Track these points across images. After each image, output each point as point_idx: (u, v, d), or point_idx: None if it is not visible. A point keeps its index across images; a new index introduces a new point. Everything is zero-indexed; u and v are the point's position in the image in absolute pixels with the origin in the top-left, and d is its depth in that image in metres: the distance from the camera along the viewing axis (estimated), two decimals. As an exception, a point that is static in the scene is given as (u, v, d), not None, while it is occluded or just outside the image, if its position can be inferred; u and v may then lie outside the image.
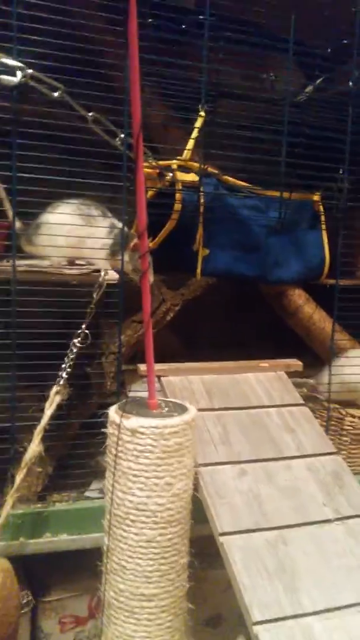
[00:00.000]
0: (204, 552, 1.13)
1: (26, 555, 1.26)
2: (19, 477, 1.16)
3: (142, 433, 1.01)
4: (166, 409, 1.11)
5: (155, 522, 1.02)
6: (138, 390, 1.48)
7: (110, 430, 1.07)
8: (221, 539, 1.05)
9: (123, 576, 1.04)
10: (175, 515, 1.04)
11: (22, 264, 1.27)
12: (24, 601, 1.25)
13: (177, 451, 1.03)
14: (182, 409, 1.11)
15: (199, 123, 1.42)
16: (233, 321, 2.14)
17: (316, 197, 1.64)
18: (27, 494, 1.29)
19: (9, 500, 1.15)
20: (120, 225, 1.36)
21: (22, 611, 1.20)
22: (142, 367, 1.37)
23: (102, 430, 1.14)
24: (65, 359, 1.25)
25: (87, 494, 1.39)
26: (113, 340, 1.45)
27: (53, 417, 1.21)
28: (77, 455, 1.41)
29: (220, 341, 2.06)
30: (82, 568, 1.37)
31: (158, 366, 1.14)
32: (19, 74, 1.17)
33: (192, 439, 1.07)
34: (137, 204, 1.00)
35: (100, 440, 1.19)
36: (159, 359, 1.11)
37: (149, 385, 1.11)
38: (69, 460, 1.44)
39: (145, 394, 1.16)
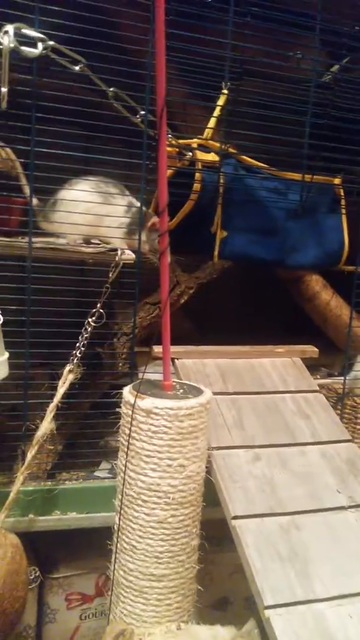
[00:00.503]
0: (213, 536, 1.13)
1: (35, 531, 1.26)
2: (30, 454, 1.16)
3: (156, 414, 1.00)
4: (181, 390, 1.10)
5: (167, 503, 1.02)
6: (151, 372, 1.47)
7: (124, 410, 1.06)
8: (233, 522, 1.04)
9: (133, 556, 1.04)
10: (187, 497, 1.03)
11: (37, 241, 1.25)
12: (32, 577, 1.26)
13: (191, 433, 1.02)
14: (197, 392, 1.10)
15: (221, 101, 1.39)
16: (247, 305, 2.13)
17: (337, 181, 1.61)
18: (37, 471, 1.29)
19: (20, 477, 1.15)
20: (137, 204, 1.34)
21: (30, 587, 1.20)
22: (157, 349, 1.36)
23: (114, 410, 1.14)
24: (80, 337, 1.24)
25: (96, 473, 1.39)
26: (126, 321, 1.44)
27: (65, 395, 1.21)
28: (88, 434, 1.41)
29: (233, 325, 2.05)
30: (90, 546, 1.38)
31: (173, 348, 1.13)
32: (39, 45, 1.15)
33: (207, 421, 1.06)
34: (158, 182, 0.98)
35: (111, 421, 1.19)
36: (172, 342, 1.09)
37: (165, 367, 1.10)
38: (79, 439, 1.44)
39: (157, 377, 1.15)
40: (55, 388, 1.23)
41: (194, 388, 1.12)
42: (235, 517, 1.05)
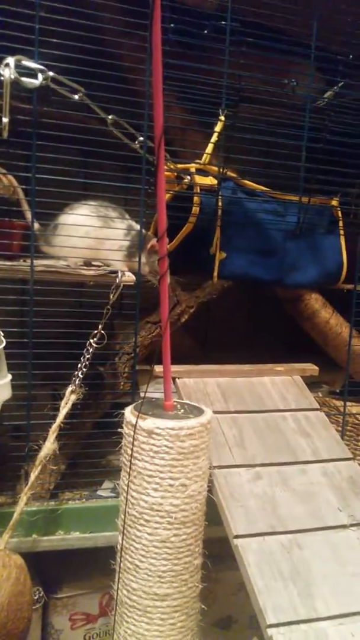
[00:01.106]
0: (216, 554, 1.14)
1: (38, 552, 1.27)
2: (33, 475, 1.18)
3: (157, 434, 1.02)
4: (182, 410, 1.12)
5: (169, 523, 1.03)
6: (152, 392, 1.49)
7: (125, 430, 1.08)
8: (235, 541, 1.05)
9: (136, 575, 1.05)
10: (189, 517, 1.04)
11: (38, 263, 1.28)
12: (36, 597, 1.26)
13: (193, 453, 1.04)
14: (198, 411, 1.11)
15: (218, 127, 1.43)
16: (247, 323, 2.15)
17: (334, 202, 1.64)
18: (40, 491, 1.30)
19: (23, 498, 1.17)
20: (137, 227, 1.37)
21: (34, 607, 1.21)
22: (158, 368, 1.38)
23: (115, 430, 1.16)
24: (81, 358, 1.26)
25: (99, 492, 1.40)
26: (127, 340, 1.46)
27: (67, 415, 1.23)
28: (90, 454, 1.42)
29: (233, 343, 2.07)
30: (93, 566, 1.38)
31: (173, 368, 1.15)
32: (39, 76, 1.19)
33: (208, 441, 1.08)
34: (157, 207, 1.01)
35: (113, 440, 1.20)
36: (173, 361, 1.11)
37: (166, 387, 1.11)
38: (82, 458, 1.45)
39: (158, 395, 1.17)
40: (57, 408, 1.25)
41: (195, 408, 1.14)
42: (237, 536, 1.06)
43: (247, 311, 2.15)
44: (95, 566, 1.37)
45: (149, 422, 1.02)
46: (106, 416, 1.41)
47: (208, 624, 1.32)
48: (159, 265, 1.05)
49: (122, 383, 1.46)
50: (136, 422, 1.03)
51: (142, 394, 1.36)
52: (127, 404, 1.17)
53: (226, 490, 1.14)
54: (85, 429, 1.42)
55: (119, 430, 1.13)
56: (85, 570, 1.39)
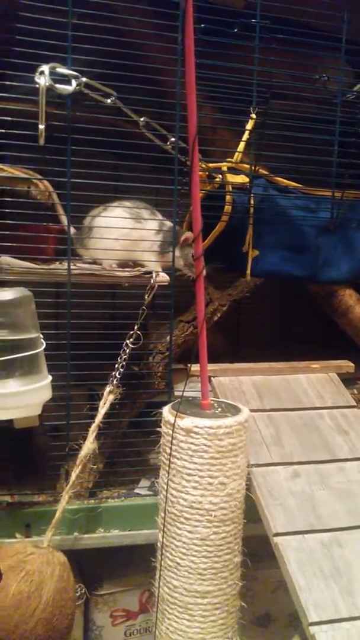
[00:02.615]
0: (254, 552, 1.14)
1: (80, 549, 1.29)
2: (74, 474, 1.20)
3: (196, 433, 1.03)
4: (219, 409, 1.12)
5: (209, 521, 1.04)
6: (187, 390, 1.50)
7: (164, 429, 1.09)
8: (275, 539, 1.05)
9: (177, 573, 1.06)
10: (228, 515, 1.05)
11: (74, 267, 1.30)
12: (78, 594, 1.28)
13: (231, 451, 1.04)
14: (235, 410, 1.12)
15: (249, 125, 1.43)
16: (280, 320, 2.14)
17: (367, 197, 1.62)
18: (80, 490, 1.32)
19: (65, 496, 1.19)
20: (169, 224, 1.38)
21: (76, 603, 1.23)
22: (194, 368, 1.39)
23: (152, 429, 1.17)
24: (118, 359, 1.28)
25: (136, 490, 1.42)
26: (160, 339, 1.47)
27: (105, 415, 1.25)
28: (127, 453, 1.44)
29: (266, 340, 2.07)
30: (132, 563, 1.40)
31: (209, 366, 1.15)
32: (73, 82, 1.20)
33: (245, 439, 1.08)
34: (192, 207, 1.02)
35: (150, 439, 1.22)
36: (207, 360, 1.12)
37: (203, 386, 1.12)
38: (119, 457, 1.47)
39: (193, 394, 1.17)
40: (94, 408, 1.27)
41: (232, 406, 1.14)
42: (277, 534, 1.06)
43: (279, 308, 2.15)
44: (134, 563, 1.39)
45: (188, 421, 1.03)
46: (142, 415, 1.43)
47: (247, 621, 1.32)
48: (194, 264, 1.06)
49: (156, 382, 1.47)
50: (174, 421, 1.04)
51: (177, 393, 1.38)
52: (162, 403, 1.18)
53: (265, 488, 1.15)
54: (121, 428, 1.44)
55: (156, 429, 1.14)
56: (125, 567, 1.41)
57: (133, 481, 1.45)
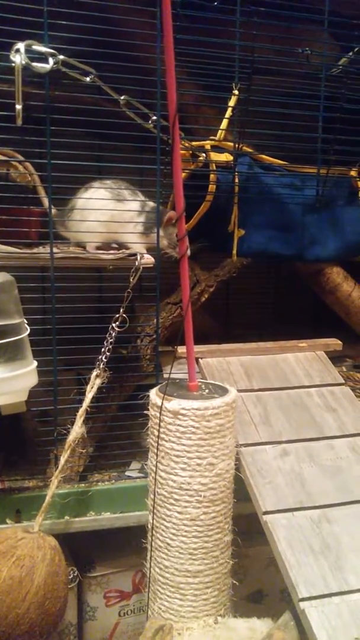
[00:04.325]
0: (245, 530, 1.15)
1: (71, 533, 1.30)
2: (63, 458, 1.19)
3: (183, 415, 1.02)
4: (206, 390, 1.12)
5: (198, 501, 1.04)
6: (175, 373, 1.49)
7: (152, 412, 1.09)
8: (265, 517, 1.06)
9: (168, 553, 1.06)
10: (218, 495, 1.06)
11: (57, 250, 1.28)
12: (70, 577, 1.29)
13: (219, 432, 1.04)
14: (223, 391, 1.11)
15: (232, 102, 1.40)
16: (266, 300, 2.14)
17: (353, 173, 1.61)
18: (70, 474, 1.32)
19: (54, 481, 1.19)
20: (152, 203, 1.36)
21: (69, 586, 1.24)
22: (182, 350, 1.38)
23: (141, 412, 1.17)
24: (104, 342, 1.27)
25: (127, 473, 1.42)
26: (148, 322, 1.46)
27: (93, 399, 1.24)
28: (116, 436, 1.43)
29: (254, 319, 2.06)
30: (124, 544, 1.41)
31: (196, 348, 1.15)
32: (50, 60, 1.17)
33: (233, 420, 1.08)
34: (175, 188, 1.00)
35: (139, 422, 1.21)
36: (195, 341, 1.11)
37: (189, 368, 1.12)
38: (108, 441, 1.47)
39: (181, 376, 1.17)
40: (82, 392, 1.26)
41: (219, 387, 1.14)
42: (266, 513, 1.07)
43: (267, 287, 2.14)
44: (126, 545, 1.40)
45: (175, 404, 1.03)
46: (131, 398, 1.42)
47: (240, 598, 1.33)
48: (178, 245, 1.04)
49: (145, 365, 1.47)
50: (162, 403, 1.04)
51: (166, 375, 1.37)
52: (151, 386, 1.18)
53: (253, 467, 1.15)
54: (110, 412, 1.44)
55: (145, 412, 1.14)
56: (118, 549, 1.42)
57: (124, 464, 1.45)
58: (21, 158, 1.26)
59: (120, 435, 1.41)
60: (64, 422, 1.25)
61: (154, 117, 1.31)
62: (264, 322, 2.08)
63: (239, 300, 2.06)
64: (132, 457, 1.46)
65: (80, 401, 1.24)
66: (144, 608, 1.42)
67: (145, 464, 1.41)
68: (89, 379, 1.25)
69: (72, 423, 1.21)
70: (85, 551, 1.42)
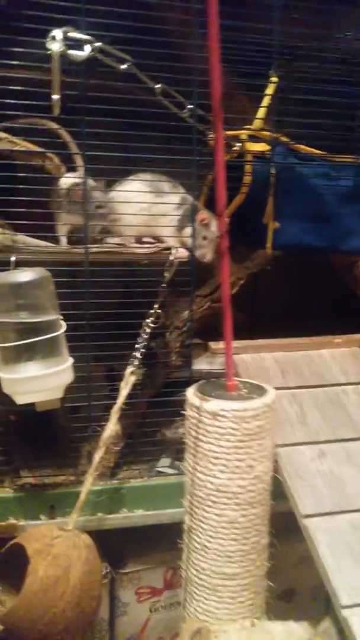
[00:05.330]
0: (277, 528, 1.13)
1: (104, 529, 1.29)
2: (97, 456, 1.18)
3: (223, 416, 1.00)
4: (244, 390, 1.10)
5: (237, 504, 1.02)
6: (206, 366, 1.47)
7: (189, 412, 1.06)
8: (304, 521, 1.04)
9: (205, 555, 1.05)
10: (256, 497, 1.03)
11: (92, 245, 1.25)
12: (103, 573, 1.29)
13: (258, 434, 1.02)
14: (260, 390, 1.09)
15: (270, 90, 1.35)
16: (295, 293, 2.09)
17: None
18: (102, 470, 1.31)
19: (89, 478, 1.17)
20: (190, 199, 1.32)
21: (102, 582, 1.23)
22: (214, 345, 1.36)
23: (171, 406, 1.14)
24: (139, 338, 1.24)
25: (157, 469, 1.40)
26: (177, 314, 1.43)
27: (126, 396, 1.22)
28: (146, 431, 1.42)
29: (281, 314, 2.02)
30: (156, 541, 1.40)
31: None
32: (87, 47, 1.13)
33: (272, 421, 1.06)
34: (216, 180, 0.97)
35: (169, 419, 1.19)
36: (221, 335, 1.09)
37: (227, 367, 1.09)
38: (139, 436, 1.46)
39: (209, 368, 1.13)
40: (114, 388, 1.24)
41: (257, 387, 1.11)
42: (306, 516, 1.05)
43: (296, 280, 2.09)
44: (158, 541, 1.39)
45: (214, 404, 1.01)
46: (160, 392, 1.40)
47: (271, 596, 1.32)
48: (204, 245, 1.01)
49: (174, 358, 1.44)
50: (200, 404, 1.02)
51: (196, 369, 1.35)
52: (181, 379, 1.15)
53: (291, 469, 1.13)
54: (142, 407, 1.42)
55: (175, 409, 1.12)
56: (149, 545, 1.41)
57: (154, 460, 1.43)
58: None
59: (151, 431, 1.39)
60: (95, 418, 1.24)
61: (189, 107, 1.27)
62: (292, 315, 2.04)
63: (267, 293, 2.01)
64: (162, 452, 1.45)
65: (111, 396, 1.22)
66: (175, 604, 1.41)
67: (176, 460, 1.39)
68: (121, 374, 1.23)
69: (103, 419, 1.19)
70: (117, 547, 1.42)
